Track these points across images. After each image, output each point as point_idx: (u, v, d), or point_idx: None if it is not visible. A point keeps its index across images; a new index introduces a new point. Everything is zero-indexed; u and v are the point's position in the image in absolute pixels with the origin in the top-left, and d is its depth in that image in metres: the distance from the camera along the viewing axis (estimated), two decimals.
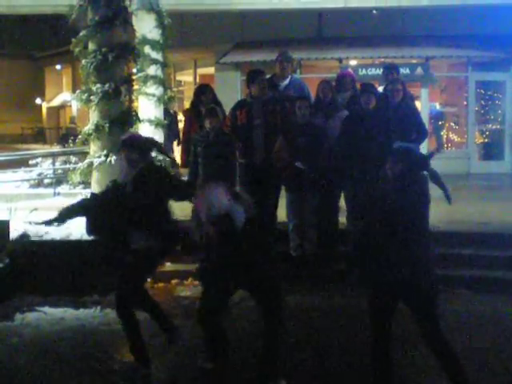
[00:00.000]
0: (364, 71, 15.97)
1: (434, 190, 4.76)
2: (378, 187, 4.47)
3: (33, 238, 7.74)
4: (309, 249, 7.43)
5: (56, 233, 7.79)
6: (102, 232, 5.20)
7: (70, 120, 35.85)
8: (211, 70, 18.36)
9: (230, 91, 15.29)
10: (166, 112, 12.51)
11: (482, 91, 16.94)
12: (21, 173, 13.34)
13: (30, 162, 13.69)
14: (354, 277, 4.96)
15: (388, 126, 7.09)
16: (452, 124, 17.85)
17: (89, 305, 7.00)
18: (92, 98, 8.54)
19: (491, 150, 16.84)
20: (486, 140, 17.08)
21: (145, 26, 12.40)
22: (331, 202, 7.64)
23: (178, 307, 6.83)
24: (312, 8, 14.53)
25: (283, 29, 16.25)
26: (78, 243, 7.53)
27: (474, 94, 16.64)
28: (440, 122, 17.49)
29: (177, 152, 11.74)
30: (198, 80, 19.48)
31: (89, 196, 5.98)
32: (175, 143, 12.93)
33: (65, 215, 5.38)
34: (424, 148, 14.89)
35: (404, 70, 14.90)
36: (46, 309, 6.88)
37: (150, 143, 5.48)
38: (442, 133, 17.42)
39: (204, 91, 8.06)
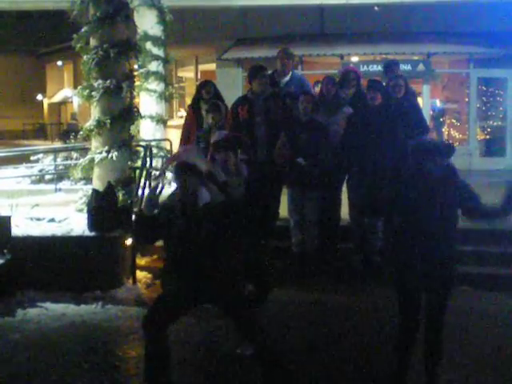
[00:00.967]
0: (366, 67, 15.92)
1: None
2: (419, 181, 4.48)
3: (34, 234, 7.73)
4: (310, 245, 7.43)
5: (58, 229, 7.80)
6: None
7: (72, 116, 35.82)
8: (212, 66, 18.35)
9: (232, 87, 15.27)
10: None
11: (484, 88, 16.91)
12: (22, 169, 13.32)
13: (32, 158, 13.67)
14: (388, 272, 4.93)
15: (394, 122, 7.08)
16: (453, 120, 17.83)
17: (90, 301, 7.00)
18: (93, 93, 8.52)
19: (493, 147, 16.81)
20: (488, 136, 17.06)
21: (146, 22, 12.41)
22: (333, 198, 7.64)
23: None
24: (313, 4, 14.54)
25: (284, 25, 16.23)
26: (80, 239, 7.53)
27: (475, 91, 16.61)
28: (441, 119, 17.48)
29: None
30: (199, 76, 19.49)
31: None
32: None
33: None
34: None
35: (406, 67, 14.90)
36: (48, 304, 6.89)
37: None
38: (443, 129, 17.40)
39: (205, 87, 8.06)
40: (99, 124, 8.48)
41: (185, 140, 8.18)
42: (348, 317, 6.43)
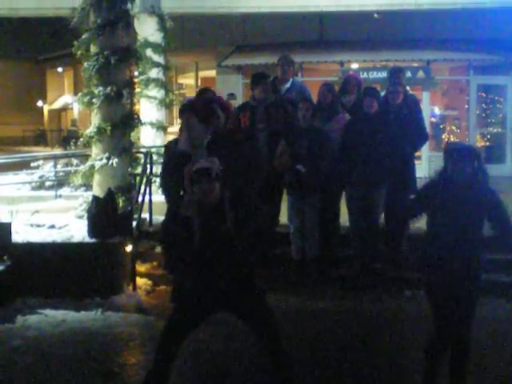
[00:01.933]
0: (365, 74, 15.95)
1: None
2: (447, 188, 4.46)
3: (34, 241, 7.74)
4: (310, 252, 7.43)
5: (58, 235, 7.80)
6: None
7: (72, 123, 35.91)
8: (213, 72, 18.40)
9: None
10: None
11: (484, 95, 16.95)
12: (22, 175, 13.36)
13: (32, 165, 13.71)
14: (424, 285, 4.83)
15: (390, 129, 7.10)
16: (453, 127, 17.85)
17: (90, 307, 6.99)
18: (94, 100, 8.55)
19: (492, 154, 16.81)
20: (488, 143, 17.08)
21: (146, 29, 12.47)
22: (332, 205, 7.64)
23: None
24: (313, 11, 14.57)
25: (284, 32, 16.28)
26: (80, 245, 7.54)
27: (475, 98, 16.65)
28: (441, 126, 17.50)
29: None
30: (199, 83, 19.53)
31: None
32: None
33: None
34: (425, 151, 14.98)
35: (405, 74, 14.92)
36: (48, 311, 6.88)
37: None
38: (442, 136, 17.42)
39: (203, 94, 8.06)
40: (100, 131, 8.51)
41: None
42: (349, 324, 6.42)
